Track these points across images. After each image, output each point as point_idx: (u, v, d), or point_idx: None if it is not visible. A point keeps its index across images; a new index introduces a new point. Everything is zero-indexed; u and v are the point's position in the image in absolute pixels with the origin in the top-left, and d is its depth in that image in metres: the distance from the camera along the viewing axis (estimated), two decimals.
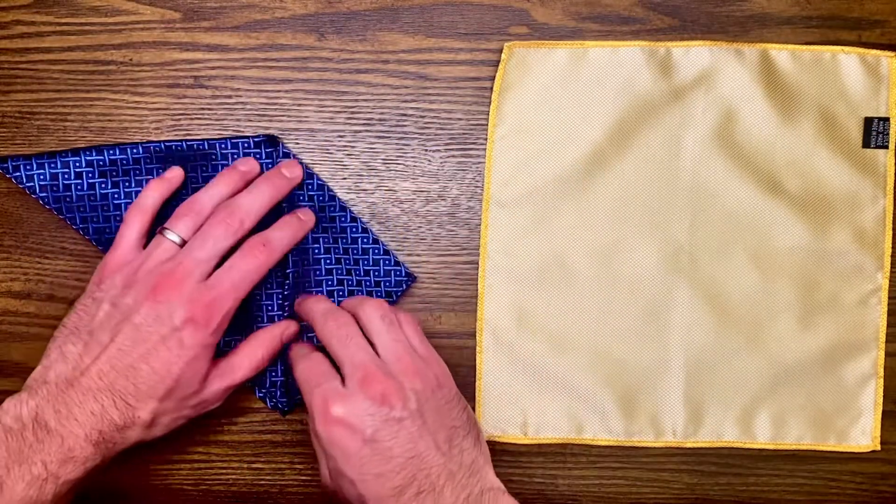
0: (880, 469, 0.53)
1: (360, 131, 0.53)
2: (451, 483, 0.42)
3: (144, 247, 0.48)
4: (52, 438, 0.42)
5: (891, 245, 0.52)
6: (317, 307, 0.48)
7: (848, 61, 0.52)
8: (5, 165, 0.51)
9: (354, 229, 0.52)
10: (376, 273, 0.52)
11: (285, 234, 0.49)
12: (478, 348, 0.52)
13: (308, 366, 0.46)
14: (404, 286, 0.52)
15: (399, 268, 0.52)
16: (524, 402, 0.52)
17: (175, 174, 0.50)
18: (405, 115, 0.53)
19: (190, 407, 0.46)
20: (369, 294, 0.52)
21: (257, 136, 0.51)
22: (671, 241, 0.52)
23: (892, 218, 0.52)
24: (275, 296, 0.50)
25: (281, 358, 0.50)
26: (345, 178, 0.53)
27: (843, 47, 0.52)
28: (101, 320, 0.45)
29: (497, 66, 0.52)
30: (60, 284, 0.53)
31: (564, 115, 0.52)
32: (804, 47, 0.52)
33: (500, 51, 0.52)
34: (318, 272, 0.51)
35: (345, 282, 0.52)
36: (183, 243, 0.47)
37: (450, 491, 0.41)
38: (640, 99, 0.52)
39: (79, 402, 0.43)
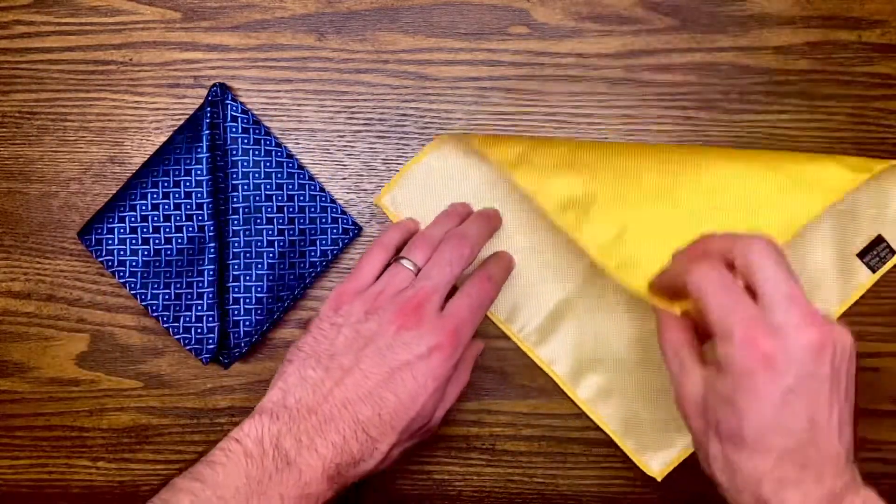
0: (880, 469, 0.53)
1: (360, 131, 0.53)
2: (833, 469, 0.37)
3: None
4: (291, 470, 0.40)
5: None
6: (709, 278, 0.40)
7: None
8: (88, 238, 0.51)
9: (301, 176, 0.52)
10: (323, 220, 0.52)
11: (501, 265, 0.50)
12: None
13: (716, 278, 0.39)
14: (351, 235, 0.53)
15: (346, 216, 0.53)
16: None
17: (412, 225, 0.51)
18: (405, 115, 0.53)
19: (417, 437, 0.45)
20: (312, 243, 0.52)
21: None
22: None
23: None
24: (231, 255, 0.51)
25: (215, 301, 0.51)
26: (345, 178, 0.53)
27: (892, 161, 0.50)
28: (342, 345, 0.44)
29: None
30: (60, 284, 0.53)
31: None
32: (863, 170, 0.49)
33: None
34: (258, 220, 0.52)
35: (286, 231, 0.52)
36: (418, 271, 0.46)
37: (830, 477, 0.37)
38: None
39: (321, 432, 0.41)
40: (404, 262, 0.47)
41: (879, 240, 0.51)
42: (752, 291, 0.38)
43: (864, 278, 0.51)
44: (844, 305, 0.52)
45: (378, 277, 0.47)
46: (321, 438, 0.41)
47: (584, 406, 0.52)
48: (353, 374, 0.43)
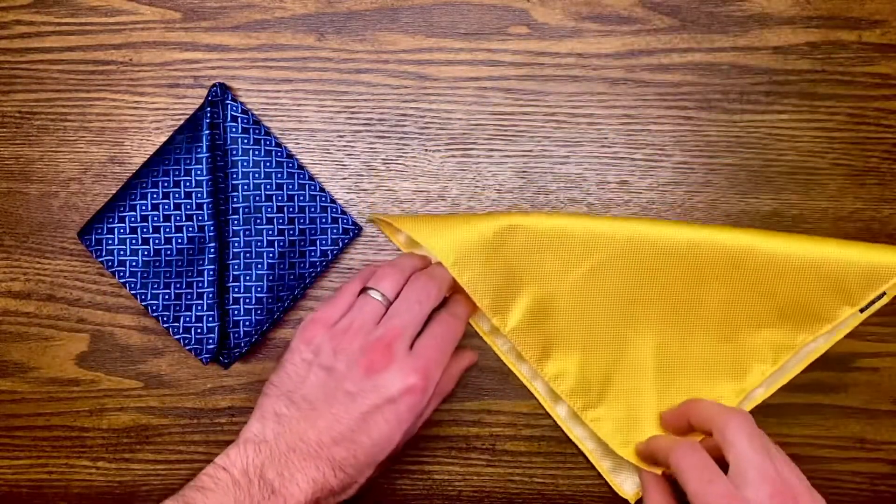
0: (880, 469, 0.53)
1: (360, 131, 0.53)
2: None
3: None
4: (276, 499, 0.42)
5: None
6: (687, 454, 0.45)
7: None
8: (88, 238, 0.51)
9: (301, 176, 0.52)
10: (323, 220, 0.52)
11: (463, 304, 0.50)
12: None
13: (695, 459, 0.43)
14: (351, 235, 0.53)
15: (346, 216, 0.53)
16: None
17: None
18: (405, 115, 0.53)
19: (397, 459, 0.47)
20: (312, 243, 0.52)
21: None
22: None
23: None
24: (231, 254, 0.52)
25: (215, 301, 0.51)
26: (345, 178, 0.53)
27: None
28: (312, 386, 0.45)
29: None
30: (60, 284, 0.53)
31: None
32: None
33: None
34: (258, 220, 0.52)
35: (286, 231, 0.52)
36: (387, 302, 0.47)
37: None
38: None
39: (301, 468, 0.43)
40: (372, 293, 0.47)
41: None
42: (725, 462, 0.43)
43: (853, 318, 0.51)
44: (828, 344, 0.52)
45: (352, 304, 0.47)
46: (301, 474, 0.42)
47: (563, 425, 0.52)
48: (324, 418, 0.44)
